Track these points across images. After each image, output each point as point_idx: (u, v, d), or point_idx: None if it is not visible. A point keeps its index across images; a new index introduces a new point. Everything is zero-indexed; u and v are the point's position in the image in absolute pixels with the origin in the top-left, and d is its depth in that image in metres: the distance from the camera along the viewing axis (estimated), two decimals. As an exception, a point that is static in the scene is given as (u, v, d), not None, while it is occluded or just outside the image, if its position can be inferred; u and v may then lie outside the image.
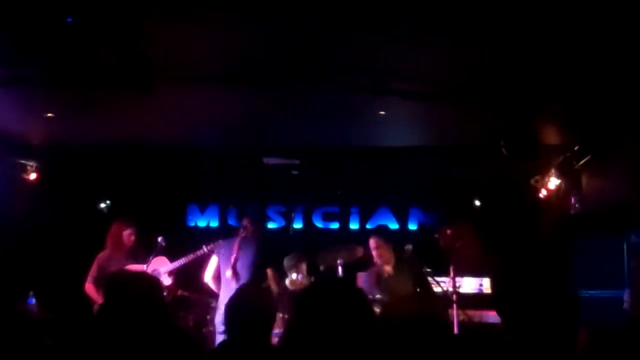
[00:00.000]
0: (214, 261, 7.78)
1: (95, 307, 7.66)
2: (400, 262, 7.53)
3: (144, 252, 7.92)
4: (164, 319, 3.49)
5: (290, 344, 2.38)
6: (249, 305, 3.86)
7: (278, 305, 6.97)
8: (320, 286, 2.67)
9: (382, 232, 8.38)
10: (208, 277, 7.77)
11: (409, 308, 3.64)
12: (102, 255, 7.85)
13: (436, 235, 8.72)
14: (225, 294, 7.39)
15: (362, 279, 8.30)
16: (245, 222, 7.93)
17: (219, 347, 3.97)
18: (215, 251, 7.80)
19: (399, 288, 7.21)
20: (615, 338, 2.84)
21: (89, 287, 7.73)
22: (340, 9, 4.64)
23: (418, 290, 7.38)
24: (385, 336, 3.16)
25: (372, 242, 7.54)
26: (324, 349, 2.29)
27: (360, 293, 2.61)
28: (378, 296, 7.12)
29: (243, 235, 7.75)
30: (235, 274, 7.52)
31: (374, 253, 7.52)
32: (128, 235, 7.90)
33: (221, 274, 7.66)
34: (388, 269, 7.46)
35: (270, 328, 3.94)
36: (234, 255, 7.55)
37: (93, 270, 7.77)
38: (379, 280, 7.34)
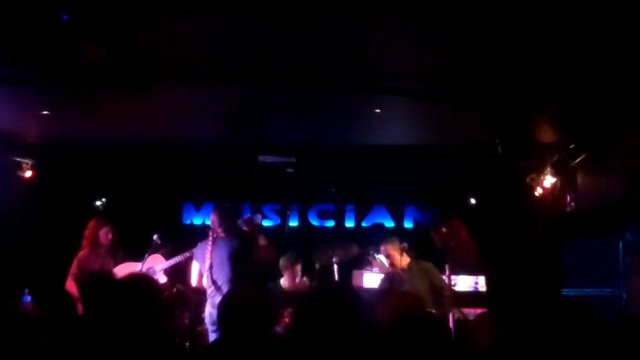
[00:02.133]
0: (195, 267, 7.57)
1: (79, 304, 7.70)
2: (413, 264, 7.54)
3: (124, 249, 7.95)
4: (154, 319, 3.48)
5: (292, 346, 2.38)
6: (242, 304, 3.84)
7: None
8: (321, 292, 2.65)
9: (392, 238, 8.27)
10: (194, 282, 7.62)
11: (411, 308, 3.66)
12: (81, 255, 7.91)
13: (431, 234, 8.73)
14: (209, 301, 7.33)
15: (360, 276, 8.33)
16: (216, 221, 7.57)
17: (212, 346, 3.96)
18: (194, 257, 7.56)
19: (413, 290, 7.21)
20: (611, 336, 2.84)
21: (70, 285, 7.79)
22: (337, 7, 4.63)
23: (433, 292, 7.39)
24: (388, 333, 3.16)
25: (384, 250, 7.55)
26: (324, 351, 2.29)
27: (358, 297, 2.60)
28: None
29: (214, 236, 7.43)
30: (213, 282, 7.24)
31: (386, 260, 7.54)
32: (105, 233, 7.94)
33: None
34: (400, 272, 7.48)
35: (269, 326, 3.92)
36: (208, 261, 7.26)
37: (73, 269, 7.85)
38: (392, 284, 7.37)
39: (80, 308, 7.72)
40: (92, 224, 8.03)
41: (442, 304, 7.35)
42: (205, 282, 7.31)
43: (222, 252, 7.35)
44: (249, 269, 7.38)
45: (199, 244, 7.59)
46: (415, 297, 4.09)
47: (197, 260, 7.53)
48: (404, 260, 7.56)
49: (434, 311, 6.97)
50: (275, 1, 4.62)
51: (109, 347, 3.21)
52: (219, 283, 7.24)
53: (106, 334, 3.25)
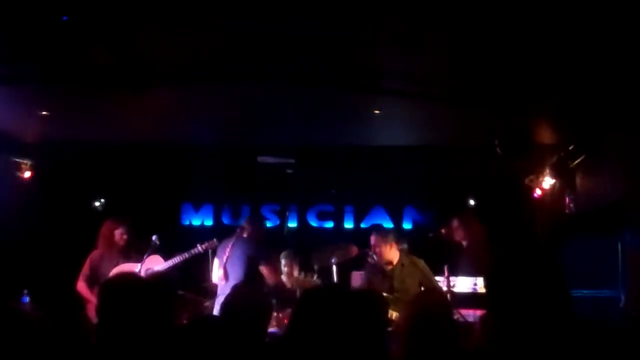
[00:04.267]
0: (216, 263, 7.82)
1: (89, 305, 7.66)
2: (405, 259, 7.48)
3: (138, 250, 7.90)
4: (160, 318, 3.49)
5: (291, 343, 2.38)
6: (243, 304, 3.86)
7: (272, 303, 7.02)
8: (327, 293, 2.65)
9: (382, 229, 8.23)
10: (215, 278, 7.79)
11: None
12: (94, 254, 7.82)
13: (442, 230, 8.57)
14: (218, 298, 7.41)
15: (359, 277, 8.30)
16: (245, 223, 8.01)
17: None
18: (217, 252, 7.82)
19: (402, 286, 7.19)
20: (610, 337, 2.85)
21: (81, 286, 7.71)
22: (336, 8, 4.64)
23: (422, 288, 7.33)
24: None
25: (372, 240, 7.49)
26: (325, 349, 2.29)
27: (373, 298, 2.59)
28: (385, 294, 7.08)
29: (240, 235, 7.81)
30: (225, 273, 7.57)
31: (374, 251, 7.46)
32: (120, 234, 7.86)
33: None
34: (390, 267, 7.42)
35: (266, 326, 3.94)
36: (226, 255, 7.61)
37: (85, 269, 7.75)
38: (382, 278, 7.32)
39: (89, 309, 7.70)
40: (107, 224, 7.93)
41: None
42: (220, 273, 7.59)
43: (240, 252, 7.67)
44: (257, 272, 7.71)
45: (222, 241, 7.86)
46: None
47: (217, 257, 7.79)
48: (393, 254, 7.45)
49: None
50: (275, 2, 4.63)
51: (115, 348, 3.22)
52: (230, 279, 7.48)
53: (115, 335, 3.26)
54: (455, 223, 8.32)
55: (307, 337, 2.33)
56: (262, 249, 7.85)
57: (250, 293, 4.10)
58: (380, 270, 7.44)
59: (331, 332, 2.32)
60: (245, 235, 7.84)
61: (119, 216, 8.12)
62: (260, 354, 3.65)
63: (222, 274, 7.57)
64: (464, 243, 8.30)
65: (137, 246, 7.97)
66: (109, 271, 7.67)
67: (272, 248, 8.34)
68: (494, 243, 8.31)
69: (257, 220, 8.29)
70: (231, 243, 7.71)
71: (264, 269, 7.69)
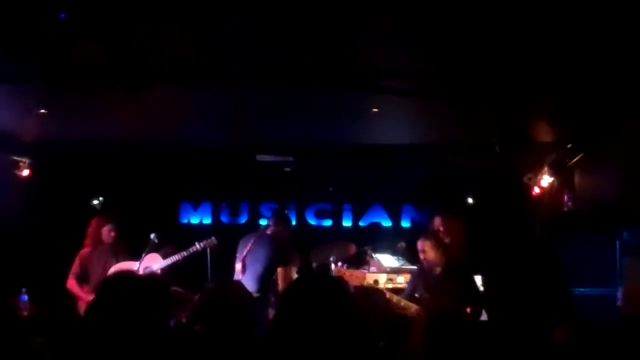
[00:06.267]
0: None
1: (80, 303, 7.68)
2: (451, 264, 7.13)
3: (127, 248, 7.93)
4: (159, 318, 3.48)
5: (275, 339, 2.38)
6: (224, 300, 3.85)
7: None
8: (304, 281, 2.66)
9: (431, 234, 7.85)
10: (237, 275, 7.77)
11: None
12: (83, 253, 7.89)
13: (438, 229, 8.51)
14: None
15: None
16: (270, 220, 7.94)
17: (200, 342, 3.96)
18: (237, 248, 7.77)
19: (444, 290, 6.94)
20: (607, 336, 2.86)
21: (71, 284, 7.77)
22: (334, 6, 4.64)
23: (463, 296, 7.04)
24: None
25: (418, 245, 7.13)
26: (307, 343, 2.29)
27: (342, 286, 2.60)
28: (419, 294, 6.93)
29: (263, 232, 7.77)
30: (243, 267, 7.50)
31: (420, 255, 7.25)
32: (107, 231, 7.91)
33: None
34: (436, 270, 7.07)
35: (250, 324, 3.92)
36: (247, 248, 7.55)
37: (75, 267, 7.82)
38: (426, 280, 7.06)
39: (80, 307, 7.71)
40: (94, 222, 8.01)
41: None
42: (238, 267, 7.53)
43: (262, 250, 7.58)
44: (274, 275, 7.66)
45: (244, 236, 7.82)
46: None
47: (238, 253, 7.71)
48: (440, 259, 7.05)
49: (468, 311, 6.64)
50: (274, 1, 4.63)
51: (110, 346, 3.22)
52: (247, 274, 7.42)
53: (109, 332, 3.25)
54: (436, 221, 8.17)
55: (294, 326, 2.33)
56: (284, 252, 7.73)
57: (232, 289, 4.09)
58: (425, 273, 7.11)
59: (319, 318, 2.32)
60: (269, 232, 7.74)
61: (106, 214, 8.18)
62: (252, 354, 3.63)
63: (239, 268, 7.50)
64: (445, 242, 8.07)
65: (126, 243, 8.01)
66: (99, 269, 7.72)
67: (295, 250, 8.27)
68: (492, 242, 8.30)
69: (282, 219, 8.12)
70: (253, 239, 7.64)
71: (279, 273, 7.63)
